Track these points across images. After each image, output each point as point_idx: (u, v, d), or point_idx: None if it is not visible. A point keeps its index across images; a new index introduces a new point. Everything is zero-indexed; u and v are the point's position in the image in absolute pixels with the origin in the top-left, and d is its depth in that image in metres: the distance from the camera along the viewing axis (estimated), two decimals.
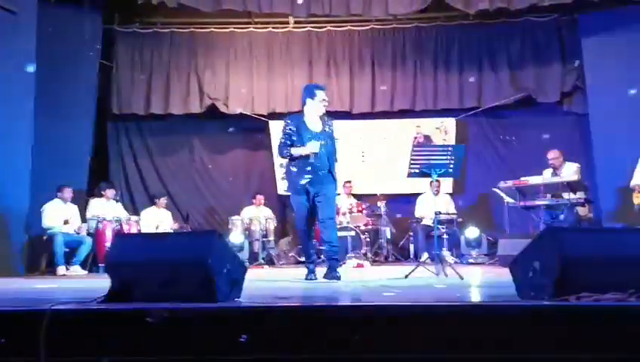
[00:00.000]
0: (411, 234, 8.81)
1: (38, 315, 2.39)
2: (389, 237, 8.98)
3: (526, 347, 2.27)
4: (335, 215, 5.12)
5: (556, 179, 6.71)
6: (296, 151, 4.87)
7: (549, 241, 2.72)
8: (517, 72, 9.35)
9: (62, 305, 2.51)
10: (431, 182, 8.51)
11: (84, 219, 7.88)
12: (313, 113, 5.02)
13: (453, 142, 9.43)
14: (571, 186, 6.50)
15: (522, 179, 6.87)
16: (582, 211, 7.04)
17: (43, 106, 7.45)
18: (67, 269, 7.27)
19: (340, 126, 9.69)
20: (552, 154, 7.17)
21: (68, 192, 7.68)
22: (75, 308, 2.50)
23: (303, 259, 8.93)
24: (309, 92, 5.08)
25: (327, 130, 5.03)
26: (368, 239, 8.53)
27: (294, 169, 4.90)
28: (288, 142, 4.92)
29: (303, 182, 4.83)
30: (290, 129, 4.95)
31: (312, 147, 4.79)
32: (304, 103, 5.09)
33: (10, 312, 2.56)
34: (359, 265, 7.45)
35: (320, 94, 5.02)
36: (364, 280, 4.99)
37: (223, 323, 2.38)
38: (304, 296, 3.47)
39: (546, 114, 9.41)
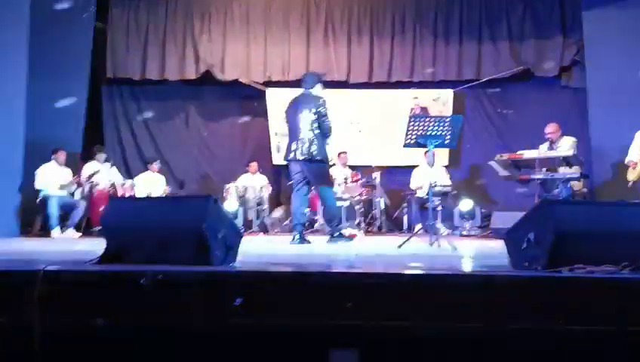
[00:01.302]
0: (405, 205, 8.82)
1: (32, 276, 2.39)
2: (383, 208, 9.00)
3: (518, 317, 2.29)
4: None
5: (552, 153, 6.70)
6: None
7: (543, 213, 2.72)
8: (516, 45, 9.28)
9: (55, 265, 2.51)
10: (425, 152, 8.50)
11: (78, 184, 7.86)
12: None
13: (450, 113, 9.39)
14: (567, 161, 6.50)
15: (518, 152, 6.85)
16: (576, 186, 7.06)
17: (37, 68, 7.37)
18: (61, 232, 7.27)
19: (336, 95, 9.75)
20: (550, 128, 7.15)
21: (62, 155, 7.66)
22: (68, 268, 2.50)
23: None
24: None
25: None
26: (362, 210, 8.55)
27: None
28: None
29: None
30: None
31: None
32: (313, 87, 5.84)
33: (2, 272, 2.55)
34: (352, 235, 7.46)
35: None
36: (357, 249, 5.01)
37: (217, 286, 2.38)
38: (298, 263, 3.47)
39: (543, 88, 9.37)
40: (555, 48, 9.15)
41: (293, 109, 5.77)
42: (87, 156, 8.50)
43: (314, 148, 5.59)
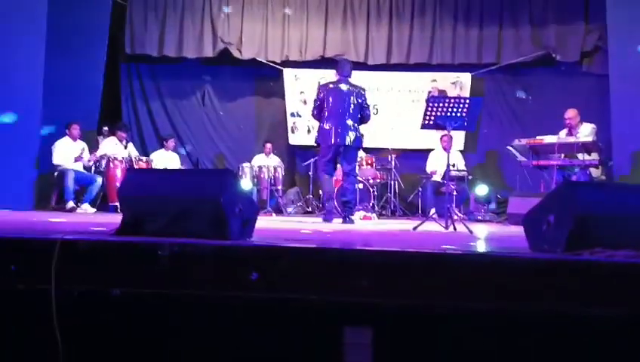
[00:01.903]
0: (420, 189, 8.78)
1: (50, 244, 2.40)
2: (397, 191, 8.97)
3: (536, 299, 2.27)
4: (318, 171, 6.38)
5: (571, 139, 6.62)
6: None
7: (564, 195, 2.68)
8: (538, 29, 9.16)
9: (74, 235, 2.52)
10: (442, 137, 8.44)
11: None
12: None
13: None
14: (586, 147, 6.42)
15: (537, 138, 6.78)
16: (594, 172, 6.97)
17: (54, 42, 7.36)
18: (77, 206, 7.32)
19: (353, 77, 9.67)
20: (570, 114, 7.06)
21: (76, 129, 7.68)
22: (87, 238, 2.51)
23: (310, 208, 9.06)
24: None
25: None
26: (376, 193, 8.52)
27: None
28: None
29: None
30: None
31: None
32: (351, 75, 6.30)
33: (21, 240, 2.57)
34: (366, 217, 7.46)
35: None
36: (373, 229, 5.00)
37: (234, 260, 2.37)
38: (316, 239, 3.47)
39: (564, 73, 9.25)
40: (577, 33, 9.02)
41: (339, 93, 6.07)
42: (101, 132, 8.56)
43: (357, 134, 6.02)
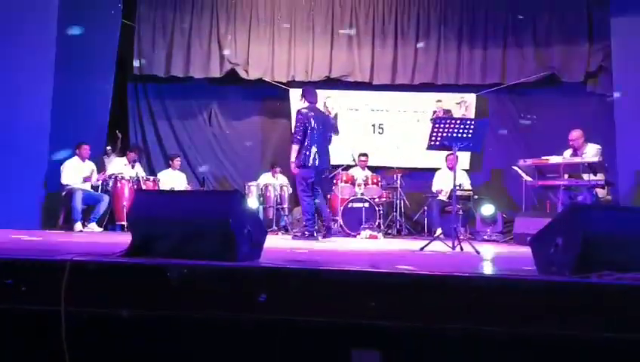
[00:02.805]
0: (426, 208, 8.78)
1: (60, 266, 2.41)
2: (403, 210, 8.98)
3: (544, 322, 2.26)
4: (298, 192, 6.65)
5: (577, 160, 6.63)
6: None
7: (572, 218, 2.68)
8: (542, 49, 9.21)
9: (83, 256, 2.53)
10: (447, 156, 8.47)
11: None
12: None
13: (472, 117, 9.33)
14: (592, 167, 6.42)
15: (542, 158, 6.79)
16: (600, 193, 6.97)
17: (64, 63, 7.46)
18: (84, 226, 7.35)
19: (358, 97, 9.76)
20: (574, 135, 7.07)
21: (85, 150, 7.73)
22: (96, 259, 2.52)
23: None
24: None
25: None
26: (382, 212, 8.53)
27: None
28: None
29: None
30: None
31: None
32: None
33: (31, 261, 2.58)
34: (372, 237, 7.47)
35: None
36: (379, 250, 5.00)
37: (242, 281, 2.38)
38: (323, 261, 3.47)
39: (569, 93, 9.28)
40: (581, 54, 9.07)
41: (320, 119, 6.48)
42: (106, 152, 8.63)
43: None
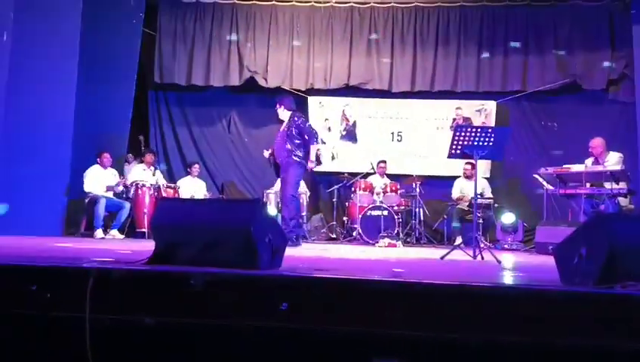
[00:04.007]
0: (446, 216, 8.73)
1: (84, 273, 2.44)
2: (422, 218, 8.94)
3: (568, 333, 2.24)
4: (288, 194, 6.57)
5: (599, 168, 6.56)
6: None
7: (597, 228, 2.66)
8: (563, 56, 9.13)
9: (107, 264, 2.56)
10: (466, 163, 8.42)
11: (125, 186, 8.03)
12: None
13: (492, 125, 9.28)
14: (615, 176, 6.35)
15: (564, 166, 6.73)
16: (623, 201, 6.89)
17: (86, 72, 7.55)
18: (105, 233, 7.42)
19: (377, 105, 9.73)
20: (595, 143, 7.01)
21: (107, 158, 7.81)
22: (120, 267, 2.55)
23: (334, 235, 9.06)
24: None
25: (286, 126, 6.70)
26: (401, 220, 8.49)
27: None
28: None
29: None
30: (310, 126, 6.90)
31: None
32: None
33: (57, 268, 2.62)
34: (391, 245, 7.43)
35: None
36: (399, 259, 4.98)
37: (264, 290, 2.39)
38: (344, 269, 3.47)
39: (590, 101, 9.18)
40: (603, 61, 8.97)
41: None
42: (127, 159, 8.72)
43: None
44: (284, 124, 6.79)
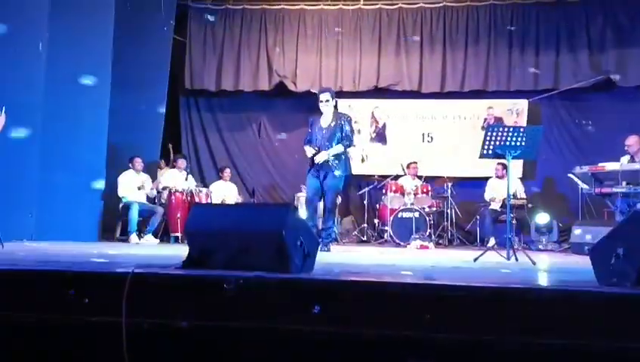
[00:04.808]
0: (478, 217, 8.64)
1: (121, 278, 2.49)
2: (454, 220, 8.86)
3: (605, 335, 2.20)
4: (332, 204, 6.20)
5: (636, 166, 6.42)
6: (306, 150, 6.12)
7: (634, 227, 2.61)
8: (597, 54, 8.99)
9: (143, 268, 2.61)
10: (498, 164, 8.32)
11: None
12: (324, 112, 6.15)
13: (524, 124, 9.18)
14: None
15: (599, 164, 6.60)
16: None
17: (119, 78, 7.70)
18: (140, 238, 7.54)
19: (407, 105, 9.69)
20: (631, 140, 6.86)
21: (138, 163, 7.94)
22: (156, 271, 2.59)
23: (365, 238, 9.03)
24: (317, 95, 6.29)
25: (337, 123, 6.05)
26: (432, 221, 8.43)
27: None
28: (308, 138, 6.21)
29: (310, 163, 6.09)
30: (309, 130, 6.31)
31: (308, 152, 6.08)
32: None
33: (94, 274, 2.68)
34: (423, 247, 7.40)
35: (320, 97, 6.21)
36: (432, 260, 4.95)
37: (297, 293, 2.41)
38: (375, 272, 3.47)
39: (625, 98, 9.01)
40: (637, 57, 8.81)
41: None
42: (160, 165, 8.86)
43: None
44: (329, 120, 6.10)
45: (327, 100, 6.11)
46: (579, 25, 9.10)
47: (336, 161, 5.97)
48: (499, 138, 4.76)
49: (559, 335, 2.23)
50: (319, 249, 5.24)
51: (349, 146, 6.12)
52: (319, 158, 5.95)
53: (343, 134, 6.01)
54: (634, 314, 2.23)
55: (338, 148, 6.00)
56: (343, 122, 6.06)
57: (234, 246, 2.71)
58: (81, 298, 2.50)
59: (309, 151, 6.05)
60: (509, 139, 4.73)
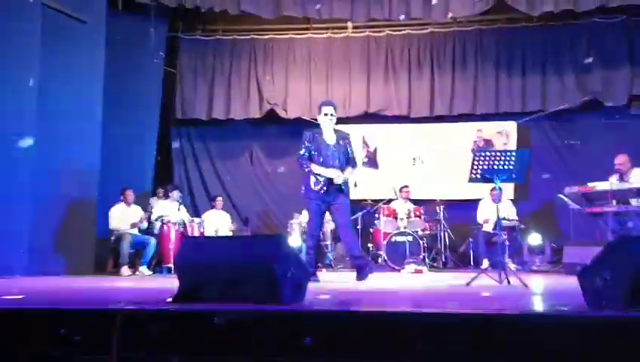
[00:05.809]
0: (471, 240, 8.65)
1: (111, 315, 2.49)
2: (447, 243, 8.87)
3: (597, 360, 2.21)
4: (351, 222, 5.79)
5: (625, 185, 6.47)
6: (317, 169, 5.49)
7: (620, 250, 2.63)
8: (583, 75, 9.12)
9: (133, 305, 2.61)
10: (491, 190, 8.35)
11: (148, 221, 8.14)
12: (325, 127, 5.60)
13: (514, 146, 9.26)
14: None
15: (589, 184, 6.65)
16: None
17: (110, 110, 7.74)
18: (133, 270, 7.50)
19: (397, 130, 9.76)
20: (620, 159, 6.92)
21: (130, 195, 7.91)
22: (146, 307, 2.59)
23: None
24: (319, 108, 5.69)
25: (340, 143, 5.58)
26: (426, 245, 8.44)
27: (314, 179, 5.51)
28: (307, 155, 5.57)
29: (317, 188, 5.47)
30: (306, 144, 5.58)
31: (332, 174, 5.44)
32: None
33: (84, 311, 2.67)
34: (417, 271, 7.39)
35: (324, 110, 5.59)
36: (425, 286, 4.95)
37: (288, 325, 2.41)
38: (367, 302, 3.47)
39: (612, 117, 9.11)
40: (623, 77, 8.95)
41: None
42: (154, 194, 8.86)
43: None
44: (333, 137, 5.58)
45: (332, 115, 5.52)
46: (564, 46, 9.24)
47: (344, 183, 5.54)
48: (487, 162, 4.80)
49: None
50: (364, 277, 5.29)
51: (355, 167, 5.69)
52: (340, 179, 5.41)
53: (350, 156, 5.60)
54: (620, 338, 2.25)
55: (353, 171, 5.62)
56: (347, 141, 5.63)
57: (225, 279, 2.72)
58: (71, 336, 2.49)
59: (331, 173, 5.43)
60: (496, 163, 4.77)
